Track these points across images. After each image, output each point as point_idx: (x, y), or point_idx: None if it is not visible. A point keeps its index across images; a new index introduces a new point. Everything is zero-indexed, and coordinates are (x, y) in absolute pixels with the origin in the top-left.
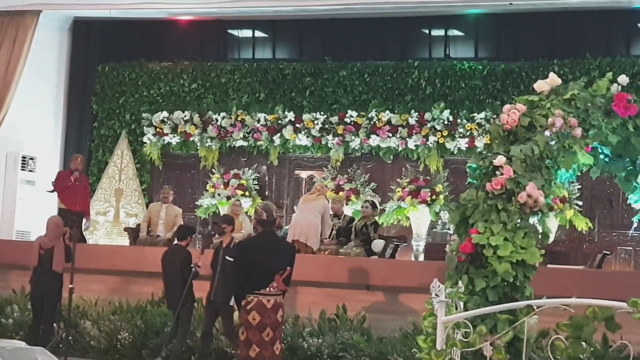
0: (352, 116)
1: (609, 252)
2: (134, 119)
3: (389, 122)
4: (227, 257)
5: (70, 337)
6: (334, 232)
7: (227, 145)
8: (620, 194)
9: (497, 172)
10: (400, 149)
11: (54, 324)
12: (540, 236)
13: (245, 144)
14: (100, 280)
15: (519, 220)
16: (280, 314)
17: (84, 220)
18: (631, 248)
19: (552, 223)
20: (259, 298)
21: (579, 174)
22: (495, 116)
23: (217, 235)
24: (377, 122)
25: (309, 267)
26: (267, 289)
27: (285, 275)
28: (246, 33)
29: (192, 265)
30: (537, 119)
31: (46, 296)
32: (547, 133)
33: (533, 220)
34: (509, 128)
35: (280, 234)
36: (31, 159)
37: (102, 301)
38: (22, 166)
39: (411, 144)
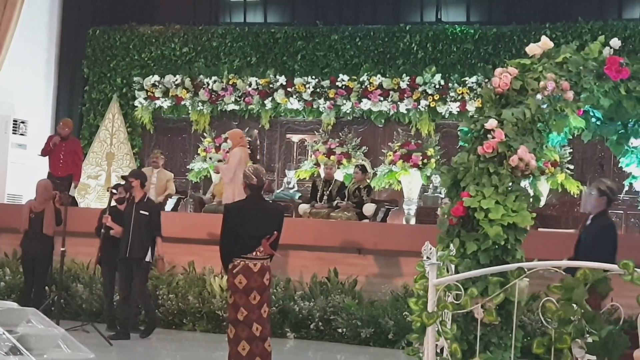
0: (343, 80)
1: None
2: (125, 83)
3: (380, 86)
4: (141, 212)
5: (62, 300)
6: (325, 196)
7: (219, 109)
8: (611, 158)
9: (489, 136)
10: (391, 112)
11: (46, 287)
12: (531, 199)
13: (236, 107)
14: (91, 243)
15: (510, 184)
16: (267, 277)
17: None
18: (622, 212)
19: (544, 186)
20: (245, 262)
21: (571, 137)
22: (486, 80)
23: (119, 194)
24: (368, 86)
25: (300, 231)
26: (254, 253)
27: (272, 240)
28: None
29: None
30: (529, 83)
31: (37, 259)
32: (538, 96)
33: (524, 183)
34: (501, 91)
35: (272, 197)
36: (22, 122)
37: (93, 264)
38: (13, 130)
39: (402, 107)
